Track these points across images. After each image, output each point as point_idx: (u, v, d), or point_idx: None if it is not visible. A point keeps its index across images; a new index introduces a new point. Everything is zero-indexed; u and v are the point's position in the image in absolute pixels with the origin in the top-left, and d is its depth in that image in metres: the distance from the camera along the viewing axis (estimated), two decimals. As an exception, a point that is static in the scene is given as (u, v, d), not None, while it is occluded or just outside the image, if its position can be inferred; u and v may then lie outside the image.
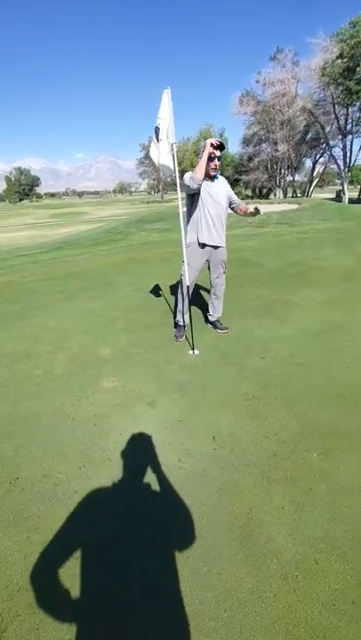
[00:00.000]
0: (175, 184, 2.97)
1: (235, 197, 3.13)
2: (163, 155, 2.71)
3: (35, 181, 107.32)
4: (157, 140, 2.67)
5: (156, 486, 1.75)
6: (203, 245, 3.07)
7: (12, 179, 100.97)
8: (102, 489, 1.76)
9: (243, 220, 12.35)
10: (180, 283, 3.25)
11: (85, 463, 1.92)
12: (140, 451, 1.99)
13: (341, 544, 1.45)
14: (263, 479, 1.76)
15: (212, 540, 1.49)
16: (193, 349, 3.08)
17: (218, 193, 2.97)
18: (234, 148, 38.91)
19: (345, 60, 19.86)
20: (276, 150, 28.55)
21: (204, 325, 3.57)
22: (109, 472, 1.85)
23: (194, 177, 2.74)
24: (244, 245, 7.36)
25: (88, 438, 2.10)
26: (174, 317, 3.44)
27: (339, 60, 20.27)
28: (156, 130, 2.67)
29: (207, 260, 3.20)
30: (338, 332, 3.32)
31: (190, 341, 3.13)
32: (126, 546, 1.48)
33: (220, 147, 2.76)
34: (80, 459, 1.95)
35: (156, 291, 4.61)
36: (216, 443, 2.01)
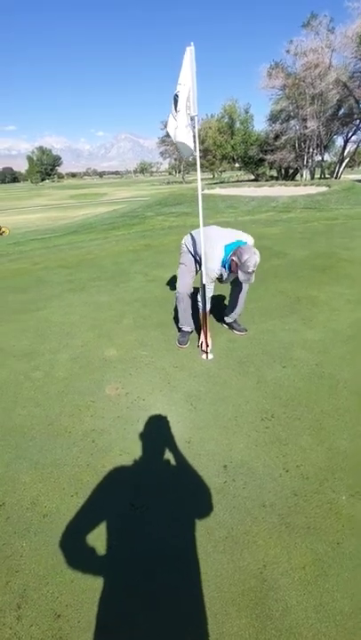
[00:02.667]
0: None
1: None
2: (180, 130, 2.20)
3: (56, 161, 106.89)
4: (176, 110, 2.22)
5: (156, 527, 1.52)
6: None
7: (34, 158, 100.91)
8: (94, 526, 1.54)
9: (266, 204, 11.71)
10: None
11: (79, 490, 1.70)
12: (140, 479, 1.75)
13: (377, 627, 1.17)
14: (281, 526, 1.49)
15: (219, 606, 1.25)
16: (207, 353, 2.79)
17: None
18: (260, 125, 36.96)
19: (388, 24, 18.06)
20: (305, 127, 26.80)
21: (220, 325, 3.26)
22: (103, 504, 1.63)
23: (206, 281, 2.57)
24: (267, 232, 6.88)
25: (84, 458, 1.89)
26: (177, 322, 3.12)
27: (380, 25, 18.45)
28: (175, 98, 2.18)
29: None
30: (371, 337, 2.94)
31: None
32: (119, 608, 1.26)
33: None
34: (73, 484, 1.74)
35: (171, 282, 4.30)
36: (227, 473, 1.75)
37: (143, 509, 1.59)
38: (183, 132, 2.22)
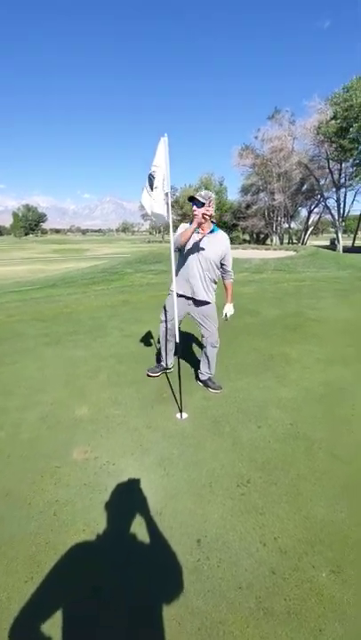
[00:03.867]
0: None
1: (228, 263, 2.93)
2: (157, 203, 2.53)
3: (41, 218, 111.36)
4: (151, 187, 2.51)
5: (120, 620, 1.34)
6: (179, 295, 2.88)
7: (20, 214, 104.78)
8: (48, 616, 1.34)
9: (240, 266, 12.45)
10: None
11: (34, 574, 1.51)
12: (104, 559, 1.58)
13: None
14: (259, 612, 1.36)
15: None
16: (181, 412, 2.73)
17: (209, 250, 2.79)
18: (233, 196, 40.86)
19: (338, 120, 21.40)
20: (273, 200, 29.90)
21: (195, 383, 3.24)
22: (61, 589, 1.44)
23: (176, 240, 2.76)
24: (241, 291, 7.22)
25: (43, 534, 1.70)
26: (158, 354, 3.37)
27: (333, 121, 21.82)
28: (150, 177, 2.52)
29: (190, 315, 3.01)
30: (343, 396, 3.00)
31: (178, 402, 2.79)
32: None
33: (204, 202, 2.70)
34: (28, 567, 1.54)
35: (146, 339, 4.32)
36: (201, 550, 1.61)
37: (106, 599, 1.41)
38: (159, 204, 2.51)
